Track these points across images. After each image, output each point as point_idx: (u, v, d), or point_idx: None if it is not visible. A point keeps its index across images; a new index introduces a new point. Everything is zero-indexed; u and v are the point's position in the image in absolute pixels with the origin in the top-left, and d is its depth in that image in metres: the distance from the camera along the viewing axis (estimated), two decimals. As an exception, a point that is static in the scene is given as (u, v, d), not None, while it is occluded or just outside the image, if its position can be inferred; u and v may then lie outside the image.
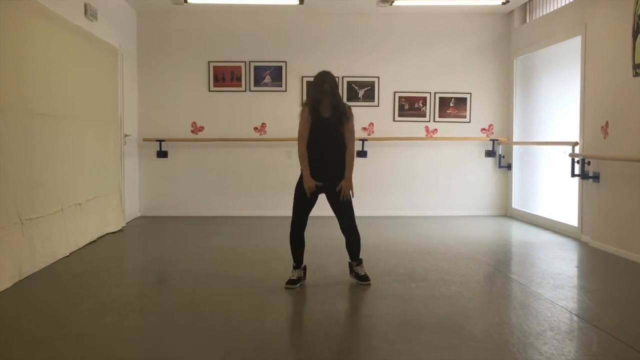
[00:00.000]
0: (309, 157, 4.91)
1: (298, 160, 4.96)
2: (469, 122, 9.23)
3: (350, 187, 4.95)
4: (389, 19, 9.06)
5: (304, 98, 8.85)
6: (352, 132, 4.99)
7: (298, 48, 9.01)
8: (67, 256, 5.94)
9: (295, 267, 5.02)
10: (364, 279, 5.01)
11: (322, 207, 5.13)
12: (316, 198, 4.98)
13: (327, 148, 4.92)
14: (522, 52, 8.78)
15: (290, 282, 4.95)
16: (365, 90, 9.07)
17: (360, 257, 5.09)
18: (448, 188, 9.23)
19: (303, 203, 4.94)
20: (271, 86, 9.04)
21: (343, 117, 4.92)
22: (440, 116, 9.20)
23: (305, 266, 5.09)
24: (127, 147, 8.32)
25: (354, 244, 5.05)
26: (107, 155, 7.37)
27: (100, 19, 7.18)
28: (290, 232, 5.01)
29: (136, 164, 8.91)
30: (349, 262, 5.13)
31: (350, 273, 5.11)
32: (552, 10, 8.05)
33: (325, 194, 4.98)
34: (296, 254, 5.01)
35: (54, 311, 4.27)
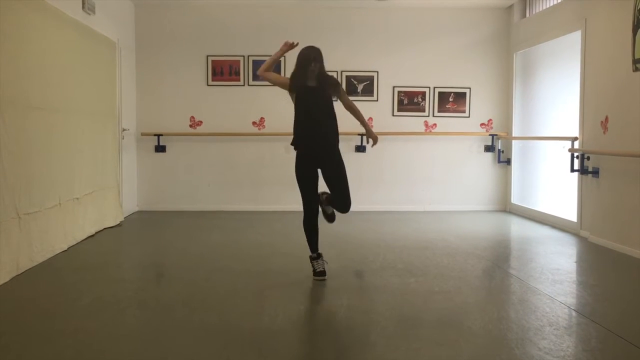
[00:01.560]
0: (299, 129, 4.92)
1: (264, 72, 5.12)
2: (468, 117, 9.22)
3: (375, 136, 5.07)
4: (388, 13, 9.04)
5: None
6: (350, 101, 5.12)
7: (297, 42, 8.97)
8: (65, 251, 5.94)
9: (314, 258, 4.99)
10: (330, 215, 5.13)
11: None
12: (316, 172, 4.94)
13: (317, 119, 4.88)
14: (522, 47, 8.76)
15: (320, 273, 4.93)
16: (364, 85, 9.05)
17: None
18: (447, 183, 9.23)
19: (307, 183, 4.89)
20: (270, 80, 9.01)
21: (329, 86, 4.96)
22: (439, 111, 9.19)
23: (320, 253, 5.06)
24: (125, 141, 8.30)
25: (346, 206, 5.01)
26: (105, 150, 7.36)
27: (98, 13, 7.16)
28: (304, 219, 4.96)
29: (134, 158, 8.90)
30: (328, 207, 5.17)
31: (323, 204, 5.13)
32: (551, 4, 8.03)
33: (321, 169, 4.96)
34: (313, 241, 5.00)
35: (51, 306, 4.27)
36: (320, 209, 5.09)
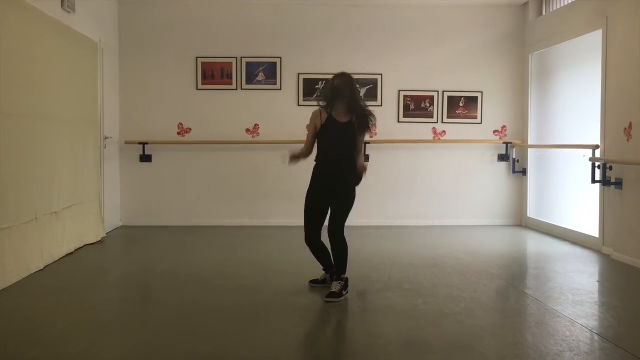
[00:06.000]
0: (319, 162, 5.17)
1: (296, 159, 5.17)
2: (481, 123, 9.25)
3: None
4: (393, 10, 9.07)
5: (301, 97, 8.89)
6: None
7: (294, 43, 9.02)
8: (42, 270, 5.93)
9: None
10: (331, 295, 4.96)
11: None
12: (328, 207, 5.15)
13: (339, 157, 5.12)
14: (538, 48, 8.80)
15: (313, 281, 5.28)
16: (368, 89, 9.07)
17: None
18: (457, 195, 9.23)
19: (313, 214, 5.13)
20: (265, 84, 9.05)
21: (363, 124, 5.13)
22: (449, 117, 9.21)
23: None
24: (108, 150, 8.32)
25: (343, 252, 5.14)
26: (86, 160, 7.36)
27: (78, 11, 7.19)
28: (306, 243, 5.21)
29: (117, 169, 8.91)
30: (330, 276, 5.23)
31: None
32: (570, 2, 8.07)
33: (331, 199, 5.14)
34: (320, 261, 5.25)
35: (26, 331, 4.25)
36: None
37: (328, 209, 5.15)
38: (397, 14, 9.10)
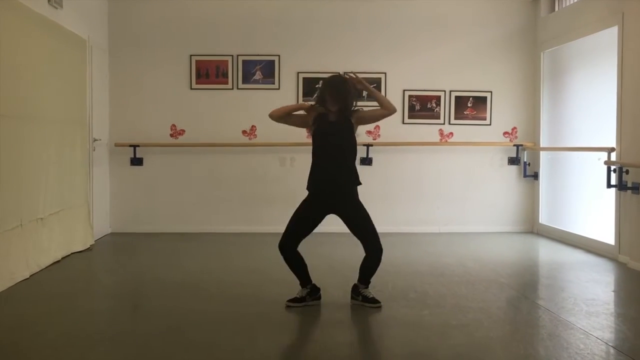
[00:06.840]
0: (314, 169, 5.11)
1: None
2: (490, 124, 9.26)
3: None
4: (397, 6, 9.10)
5: (300, 97, 8.91)
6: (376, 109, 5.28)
7: (293, 40, 9.04)
8: (27, 279, 5.94)
9: (302, 286, 5.16)
10: (372, 301, 5.09)
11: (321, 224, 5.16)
12: (321, 219, 5.12)
13: (336, 157, 5.07)
14: (550, 45, 8.82)
15: (293, 300, 5.09)
16: (371, 88, 9.09)
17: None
18: (465, 200, 9.24)
19: (303, 225, 5.06)
20: (262, 83, 9.07)
21: (349, 115, 5.10)
22: (456, 118, 9.23)
23: (314, 285, 5.17)
24: (97, 153, 8.33)
25: (374, 263, 5.16)
26: (74, 163, 7.38)
27: (66, 7, 7.21)
28: (280, 249, 5.10)
29: (107, 172, 8.92)
30: (355, 284, 5.21)
31: (356, 297, 5.18)
32: (584, -3, 8.10)
33: (339, 215, 5.15)
34: (296, 273, 5.14)
35: (11, 342, 4.26)
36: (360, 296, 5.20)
37: (319, 223, 5.11)
38: (402, 9, 9.12)
